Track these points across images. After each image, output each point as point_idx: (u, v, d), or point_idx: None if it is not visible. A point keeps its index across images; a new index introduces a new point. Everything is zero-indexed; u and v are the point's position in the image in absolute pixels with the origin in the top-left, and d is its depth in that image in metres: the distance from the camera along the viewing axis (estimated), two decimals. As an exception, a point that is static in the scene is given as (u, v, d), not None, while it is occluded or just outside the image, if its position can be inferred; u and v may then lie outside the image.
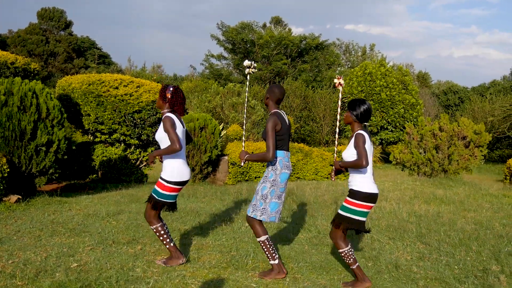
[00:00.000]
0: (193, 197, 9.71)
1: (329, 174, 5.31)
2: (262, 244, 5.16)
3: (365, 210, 4.89)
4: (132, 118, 12.07)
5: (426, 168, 17.36)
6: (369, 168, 4.92)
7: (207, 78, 46.22)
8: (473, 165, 17.47)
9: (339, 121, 5.52)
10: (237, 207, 8.87)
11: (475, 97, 42.15)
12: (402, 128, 25.75)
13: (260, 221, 5.18)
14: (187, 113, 5.55)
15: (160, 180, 5.26)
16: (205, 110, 22.76)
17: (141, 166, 13.17)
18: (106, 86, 11.91)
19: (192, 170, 12.09)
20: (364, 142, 4.79)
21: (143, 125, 12.30)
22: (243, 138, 5.72)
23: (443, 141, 17.04)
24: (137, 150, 12.95)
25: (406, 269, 5.69)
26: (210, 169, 12.67)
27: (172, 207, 5.45)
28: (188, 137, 5.68)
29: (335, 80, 5.47)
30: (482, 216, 8.93)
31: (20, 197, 8.44)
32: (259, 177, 14.08)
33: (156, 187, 5.27)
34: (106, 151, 12.53)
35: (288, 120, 5.35)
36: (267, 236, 5.16)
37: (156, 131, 5.84)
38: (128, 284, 4.62)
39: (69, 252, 5.57)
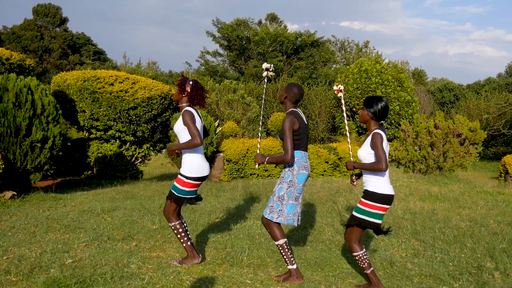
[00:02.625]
0: (188, 194, 9.70)
1: (351, 180, 5.03)
2: (280, 248, 5.01)
3: (381, 212, 4.73)
4: (127, 115, 12.05)
5: (421, 165, 17.40)
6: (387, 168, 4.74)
7: (202, 75, 46.14)
8: (468, 163, 17.51)
9: (347, 125, 5.39)
10: (232, 204, 8.88)
11: (470, 95, 42.29)
12: (397, 125, 25.75)
13: (278, 223, 5.05)
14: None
15: (179, 176, 5.19)
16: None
17: (136, 162, 13.15)
18: (101, 82, 11.89)
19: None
20: (382, 142, 4.65)
21: (138, 122, 12.28)
22: (259, 139, 5.54)
23: (438, 139, 17.07)
24: (133, 146, 12.94)
25: (400, 266, 5.70)
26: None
27: (196, 199, 5.36)
28: (205, 132, 5.60)
29: (335, 87, 5.30)
30: (477, 213, 8.95)
31: (15, 193, 8.42)
32: (254, 174, 14.08)
33: (175, 183, 5.21)
34: (101, 147, 12.51)
35: (306, 119, 5.21)
36: (285, 239, 5.01)
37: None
38: (123, 281, 4.62)
39: (64, 248, 5.57)
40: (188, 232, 5.37)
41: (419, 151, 17.62)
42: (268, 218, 5.02)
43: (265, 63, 5.51)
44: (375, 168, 4.60)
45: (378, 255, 6.08)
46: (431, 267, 5.69)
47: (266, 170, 14.30)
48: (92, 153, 12.47)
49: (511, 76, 57.32)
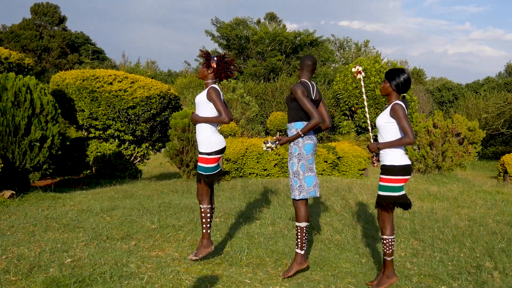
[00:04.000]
0: (187, 193, 9.70)
1: (372, 162, 5.00)
2: (299, 230, 5.09)
3: (402, 184, 4.71)
4: (126, 114, 12.05)
5: (420, 164, 17.41)
6: None
7: (201, 74, 46.07)
8: (467, 162, 17.54)
9: (368, 114, 5.32)
10: (231, 203, 8.87)
11: (469, 94, 42.33)
12: (396, 124, 25.79)
13: (306, 203, 5.11)
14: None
15: (201, 156, 5.28)
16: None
17: (135, 162, 13.15)
18: (100, 81, 11.89)
19: (187, 166, 12.08)
20: (405, 113, 4.58)
21: (137, 121, 12.27)
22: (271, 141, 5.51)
23: (437, 138, 17.08)
24: (131, 146, 12.94)
25: (400, 266, 5.70)
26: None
27: (221, 174, 5.48)
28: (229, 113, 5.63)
29: (353, 69, 5.29)
30: (476, 212, 8.96)
31: (14, 192, 8.41)
32: (253, 173, 14.08)
33: (200, 164, 5.30)
34: (100, 146, 12.51)
35: (318, 94, 5.23)
36: (307, 223, 5.10)
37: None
38: (122, 280, 4.61)
39: (63, 248, 5.56)
40: (212, 221, 5.45)
41: (418, 150, 17.64)
42: (292, 197, 5.13)
43: (358, 66, 5.40)
44: (403, 143, 4.57)
45: (377, 255, 6.07)
46: (430, 267, 5.69)
47: (265, 170, 14.29)
48: (91, 152, 12.46)
49: (510, 75, 57.35)
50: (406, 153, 4.82)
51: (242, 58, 48.06)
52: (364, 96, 5.45)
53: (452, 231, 7.23)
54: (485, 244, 6.61)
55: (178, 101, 13.50)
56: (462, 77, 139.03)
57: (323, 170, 15.53)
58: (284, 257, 5.76)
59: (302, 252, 5.13)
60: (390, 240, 4.81)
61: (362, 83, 5.37)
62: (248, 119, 23.30)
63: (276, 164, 14.35)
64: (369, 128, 5.45)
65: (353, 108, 26.80)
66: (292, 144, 5.11)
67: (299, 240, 5.12)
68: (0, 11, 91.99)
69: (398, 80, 4.70)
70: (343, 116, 27.56)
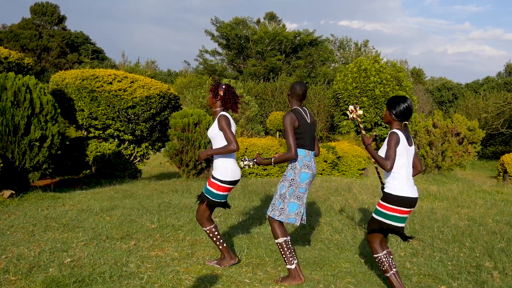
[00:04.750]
0: (187, 193, 9.70)
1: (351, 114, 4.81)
2: (279, 246, 4.97)
3: (399, 215, 4.56)
4: (126, 114, 12.04)
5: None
6: (405, 169, 4.59)
7: (201, 73, 46.20)
8: (467, 162, 17.54)
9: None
10: (231, 203, 8.87)
11: (469, 94, 42.32)
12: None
13: (280, 222, 5.02)
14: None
15: (213, 180, 5.15)
16: (199, 105, 22.74)
17: (135, 161, 13.15)
18: (100, 81, 11.88)
19: (186, 165, 12.08)
20: (397, 142, 4.50)
21: (137, 121, 12.27)
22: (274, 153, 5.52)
23: (436, 138, 17.09)
24: (131, 145, 12.93)
25: (399, 265, 5.70)
26: (204, 164, 12.66)
27: (225, 205, 5.37)
28: None
29: (350, 112, 5.11)
30: (476, 212, 8.96)
31: (13, 192, 8.41)
32: (253, 173, 14.08)
33: (209, 187, 5.17)
34: (100, 146, 12.51)
35: (312, 118, 5.16)
36: (285, 238, 4.96)
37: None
38: (121, 280, 4.61)
39: (62, 248, 5.56)
40: (220, 235, 5.36)
41: (417, 150, 17.63)
42: (270, 215, 5.01)
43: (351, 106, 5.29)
44: (380, 163, 4.52)
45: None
46: (430, 266, 5.69)
47: (264, 169, 14.30)
48: (91, 152, 12.46)
49: (510, 75, 57.37)
50: (413, 183, 4.70)
51: (241, 57, 48.08)
52: (363, 131, 5.10)
53: (451, 231, 7.23)
54: (485, 244, 6.61)
55: (177, 100, 13.50)
56: (462, 77, 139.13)
57: (322, 170, 15.53)
58: (284, 257, 5.75)
59: (293, 266, 4.96)
60: (382, 257, 4.71)
61: (359, 119, 5.17)
62: (247, 118, 23.31)
63: (275, 164, 14.32)
64: (361, 126, 5.28)
65: (353, 108, 26.77)
66: (289, 167, 5.04)
67: (284, 256, 4.98)
68: (0, 10, 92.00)
69: (398, 109, 4.65)
70: (342, 116, 27.56)
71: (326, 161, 15.60)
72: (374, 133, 4.96)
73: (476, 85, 52.27)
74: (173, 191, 9.81)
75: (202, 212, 5.25)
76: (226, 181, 5.11)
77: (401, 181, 4.57)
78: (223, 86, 5.22)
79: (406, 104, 4.65)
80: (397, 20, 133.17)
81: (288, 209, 4.98)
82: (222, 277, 4.91)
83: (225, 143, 5.07)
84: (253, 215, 7.84)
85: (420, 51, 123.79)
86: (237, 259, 5.35)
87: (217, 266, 5.25)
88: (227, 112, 5.24)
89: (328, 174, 15.64)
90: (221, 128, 5.05)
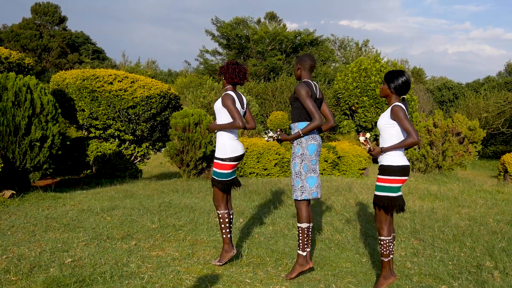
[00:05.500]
0: (187, 193, 9.70)
1: (364, 147, 4.78)
2: (300, 231, 5.05)
3: (399, 184, 4.67)
4: (126, 114, 12.05)
5: (421, 164, 17.41)
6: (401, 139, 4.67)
7: (201, 73, 46.23)
8: (467, 161, 17.54)
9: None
10: (231, 203, 8.86)
11: (470, 93, 42.30)
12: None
13: (307, 204, 5.07)
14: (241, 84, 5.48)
15: (216, 160, 5.31)
16: (200, 105, 22.73)
17: (135, 161, 13.15)
18: (100, 81, 11.88)
19: (187, 165, 12.08)
20: (405, 114, 4.54)
21: (137, 121, 12.27)
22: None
23: (437, 137, 17.08)
24: (132, 145, 12.93)
25: (400, 265, 5.70)
26: (204, 164, 12.65)
27: (236, 183, 5.47)
28: (251, 121, 5.60)
29: (361, 139, 4.93)
30: (476, 212, 8.96)
31: (14, 192, 8.41)
32: (254, 173, 14.08)
33: (214, 169, 5.32)
34: (100, 146, 12.51)
35: (321, 93, 5.20)
36: (308, 224, 5.04)
37: None
38: (122, 280, 4.61)
39: (63, 248, 5.56)
40: (231, 226, 5.45)
41: (418, 150, 17.64)
42: (294, 198, 5.09)
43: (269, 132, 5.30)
44: (407, 144, 4.51)
45: (377, 254, 6.07)
46: (431, 266, 5.69)
47: (265, 169, 14.29)
48: (91, 152, 12.46)
49: (510, 74, 57.35)
50: (405, 154, 4.76)
51: (242, 57, 48.09)
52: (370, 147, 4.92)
53: (452, 231, 7.23)
54: (486, 243, 6.61)
55: (178, 100, 13.50)
56: (462, 76, 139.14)
57: (323, 170, 15.53)
58: (285, 256, 5.76)
59: (304, 253, 5.06)
60: (387, 241, 4.75)
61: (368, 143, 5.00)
62: (248, 118, 23.26)
63: (276, 163, 14.35)
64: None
65: (354, 108, 26.78)
66: (295, 144, 5.06)
67: (300, 241, 5.07)
68: (0, 10, 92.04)
69: (397, 82, 4.67)
70: (343, 116, 27.56)
71: (326, 161, 15.60)
72: (368, 135, 4.91)
73: (477, 85, 52.29)
74: (173, 191, 9.82)
75: (216, 195, 5.40)
76: (226, 158, 5.25)
77: (398, 152, 4.67)
78: (225, 64, 5.37)
79: (404, 77, 4.69)
80: (397, 19, 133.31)
81: (308, 185, 5.05)
82: (223, 277, 4.91)
83: (228, 118, 5.22)
84: (254, 215, 7.84)
85: (421, 50, 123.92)
86: (235, 252, 5.37)
87: (218, 264, 5.26)
88: (236, 90, 5.37)
89: (329, 174, 15.64)
90: (224, 106, 5.19)
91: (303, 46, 47.35)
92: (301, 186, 5.04)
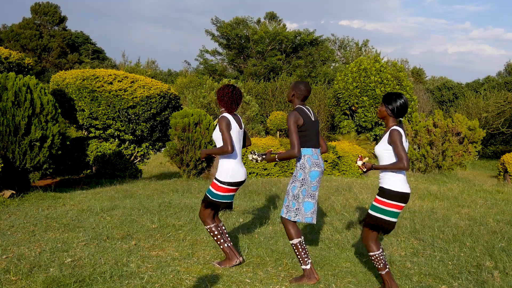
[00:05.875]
0: (187, 193, 9.70)
1: (361, 170, 4.76)
2: (294, 247, 4.99)
3: (396, 210, 4.61)
4: (126, 114, 12.04)
5: (421, 164, 17.41)
6: None
7: (201, 73, 46.25)
8: (467, 161, 17.54)
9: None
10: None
11: (469, 93, 42.31)
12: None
13: (294, 222, 5.02)
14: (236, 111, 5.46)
15: (214, 180, 5.22)
16: (199, 105, 22.75)
17: (135, 161, 13.15)
18: (100, 81, 11.88)
19: (187, 165, 12.08)
20: (401, 139, 4.53)
21: (137, 121, 12.27)
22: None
23: (437, 137, 17.09)
24: (132, 145, 12.93)
25: (400, 265, 5.70)
26: (204, 164, 12.66)
27: (228, 207, 5.38)
28: (246, 139, 5.58)
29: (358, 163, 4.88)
30: (476, 212, 8.96)
31: (14, 192, 8.41)
32: (254, 173, 14.08)
33: (210, 187, 5.23)
34: (100, 146, 12.51)
35: (315, 116, 5.18)
36: (300, 239, 4.98)
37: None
38: (122, 280, 4.61)
39: (63, 247, 5.56)
40: (226, 234, 5.39)
41: (418, 149, 17.64)
42: (286, 217, 5.01)
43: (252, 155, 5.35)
44: (396, 168, 4.49)
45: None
46: (431, 266, 5.69)
47: (265, 169, 14.29)
48: (91, 152, 12.46)
49: (510, 74, 57.35)
50: (406, 180, 4.73)
51: (242, 57, 48.11)
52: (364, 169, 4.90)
53: (452, 231, 7.23)
54: (486, 243, 6.61)
55: (178, 100, 13.50)
56: (462, 76, 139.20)
57: (360, 169, 15.56)
58: (285, 256, 5.76)
59: (308, 266, 4.98)
60: (377, 255, 4.73)
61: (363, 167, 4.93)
62: (248, 118, 23.31)
63: (276, 163, 14.35)
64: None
65: (354, 108, 26.79)
66: (298, 168, 5.01)
67: (298, 256, 5.01)
68: (0, 10, 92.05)
69: (395, 104, 4.65)
70: (343, 116, 27.56)
71: (326, 161, 15.61)
72: (365, 160, 4.88)
73: (477, 85, 52.31)
74: (173, 191, 9.82)
75: (202, 210, 5.29)
76: (224, 181, 5.15)
77: (400, 177, 4.62)
78: (222, 90, 5.29)
79: (402, 100, 4.67)
80: (397, 19, 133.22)
81: (303, 209, 4.99)
82: (223, 277, 4.91)
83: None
84: (254, 215, 7.84)
85: (421, 50, 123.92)
86: (241, 258, 5.33)
87: (217, 266, 5.26)
88: (232, 114, 5.27)
89: (329, 174, 15.64)
90: (219, 129, 5.11)
91: (303, 46, 47.37)
92: (296, 209, 4.99)
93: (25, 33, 50.49)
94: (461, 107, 39.12)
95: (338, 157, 16.14)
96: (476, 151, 17.49)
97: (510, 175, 18.30)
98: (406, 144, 4.62)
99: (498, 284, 5.12)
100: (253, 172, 14.09)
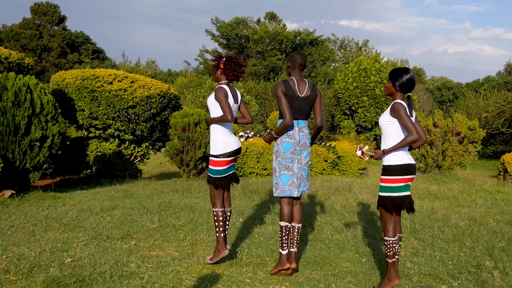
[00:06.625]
0: (187, 193, 9.70)
1: (362, 159, 4.75)
2: (279, 229, 5.11)
3: (404, 184, 4.62)
4: (126, 113, 12.04)
5: (421, 164, 17.41)
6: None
7: (201, 73, 46.28)
8: (467, 161, 17.54)
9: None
10: (231, 202, 8.86)
11: (469, 93, 42.32)
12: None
13: (288, 202, 5.10)
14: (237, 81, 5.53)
15: (210, 158, 5.29)
16: (199, 105, 22.75)
17: (135, 161, 13.15)
18: (100, 81, 11.88)
19: (187, 165, 12.08)
20: (405, 111, 4.50)
21: (137, 121, 12.27)
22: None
23: (437, 137, 17.09)
24: (132, 145, 12.93)
25: (400, 265, 5.70)
26: (204, 164, 12.65)
27: (233, 179, 5.43)
28: (246, 115, 5.57)
29: (357, 152, 4.93)
30: (476, 212, 8.96)
31: (14, 192, 8.41)
32: (253, 172, 14.08)
33: (209, 166, 5.31)
34: (100, 146, 12.51)
35: (311, 91, 5.11)
36: (286, 224, 5.06)
37: None
38: (122, 280, 4.61)
39: (63, 247, 5.56)
40: (227, 222, 5.44)
41: (418, 149, 17.64)
42: (275, 195, 5.15)
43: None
44: (409, 142, 4.45)
45: (377, 254, 6.08)
46: (430, 266, 5.69)
47: (265, 169, 14.29)
48: (91, 152, 12.46)
49: (510, 74, 57.36)
50: (408, 152, 4.73)
51: (242, 57, 48.05)
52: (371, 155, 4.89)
53: (452, 230, 7.23)
54: (485, 243, 6.61)
55: (178, 100, 13.50)
56: (462, 76, 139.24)
57: (323, 170, 15.54)
58: (284, 256, 5.75)
59: (284, 252, 5.08)
60: (391, 242, 4.73)
61: (367, 154, 4.93)
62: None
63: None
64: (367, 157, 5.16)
65: (354, 108, 26.77)
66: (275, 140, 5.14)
67: (280, 239, 5.13)
68: (0, 10, 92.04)
69: (401, 80, 4.64)
70: (343, 116, 27.54)
71: (326, 161, 15.61)
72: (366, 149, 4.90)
73: (477, 85, 52.31)
74: (173, 191, 9.82)
75: (211, 192, 5.37)
76: (219, 154, 5.21)
77: (401, 151, 4.63)
78: (223, 59, 5.34)
79: (409, 75, 4.66)
80: (397, 19, 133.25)
81: (281, 182, 5.07)
82: (223, 276, 4.91)
83: (221, 113, 5.18)
84: (254, 215, 7.84)
85: (421, 50, 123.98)
86: (227, 252, 5.35)
87: (210, 262, 5.27)
88: (230, 85, 5.36)
89: (329, 174, 15.65)
90: (216, 99, 5.17)
91: (303, 46, 47.36)
92: (275, 183, 5.10)
93: (25, 33, 50.51)
94: (461, 107, 39.12)
95: (338, 157, 16.14)
96: (476, 151, 17.50)
97: (510, 175, 18.29)
98: (412, 118, 4.62)
99: (498, 284, 5.12)
100: (253, 172, 14.09)
